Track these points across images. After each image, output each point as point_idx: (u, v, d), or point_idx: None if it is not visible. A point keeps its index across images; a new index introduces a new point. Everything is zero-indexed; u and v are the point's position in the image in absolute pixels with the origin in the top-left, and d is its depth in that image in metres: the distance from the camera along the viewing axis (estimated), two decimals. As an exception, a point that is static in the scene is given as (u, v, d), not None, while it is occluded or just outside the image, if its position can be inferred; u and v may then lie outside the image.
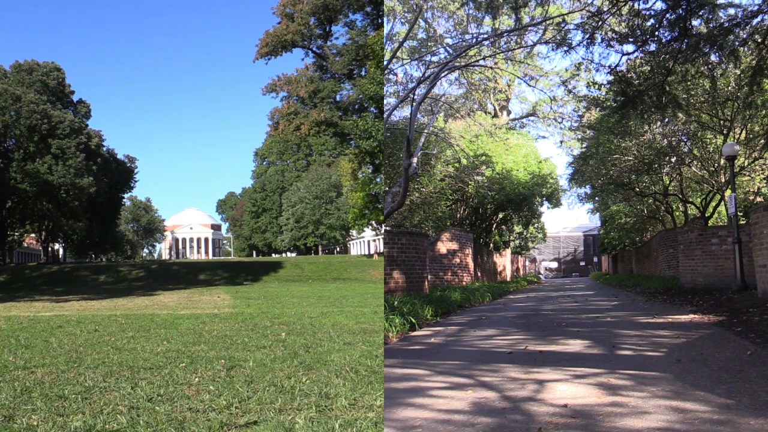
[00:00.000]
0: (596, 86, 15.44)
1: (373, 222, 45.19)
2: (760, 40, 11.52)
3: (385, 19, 42.97)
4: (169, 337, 8.30)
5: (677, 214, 29.60)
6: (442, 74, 16.80)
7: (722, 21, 10.93)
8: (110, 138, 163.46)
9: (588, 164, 26.14)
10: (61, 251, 73.69)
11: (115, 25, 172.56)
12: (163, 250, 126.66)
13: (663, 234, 26.97)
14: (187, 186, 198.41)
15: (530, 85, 29.63)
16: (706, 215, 24.51)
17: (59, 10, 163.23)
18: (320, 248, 67.99)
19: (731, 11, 11.06)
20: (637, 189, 27.46)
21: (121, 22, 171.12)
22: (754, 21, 11.19)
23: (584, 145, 29.62)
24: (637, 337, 7.46)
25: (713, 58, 12.34)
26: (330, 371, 5.46)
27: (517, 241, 45.19)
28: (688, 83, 15.01)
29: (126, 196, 70.86)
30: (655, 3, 11.70)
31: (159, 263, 49.43)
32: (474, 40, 19.05)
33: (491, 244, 33.25)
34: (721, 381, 4.58)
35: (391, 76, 24.24)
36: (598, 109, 20.76)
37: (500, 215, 32.03)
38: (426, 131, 19.87)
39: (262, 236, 75.26)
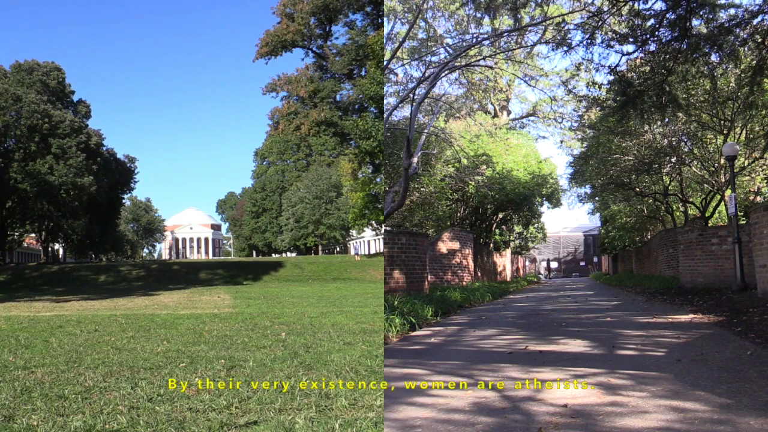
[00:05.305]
0: (596, 86, 15.43)
1: (373, 222, 45.21)
2: (760, 40, 11.51)
3: (385, 19, 42.99)
4: (169, 337, 8.30)
5: (677, 214, 29.59)
6: (442, 74, 16.79)
7: (722, 21, 10.93)
8: (110, 138, 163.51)
9: (588, 164, 26.13)
10: (61, 251, 73.70)
11: (115, 25, 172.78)
12: (163, 250, 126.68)
13: (663, 234, 26.96)
14: (187, 186, 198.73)
15: (530, 85, 29.60)
16: (706, 215, 24.50)
17: (59, 10, 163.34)
18: (320, 248, 67.98)
19: (731, 11, 11.06)
20: (637, 189, 27.45)
21: (121, 22, 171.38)
22: (755, 21, 11.19)
23: (584, 145, 29.59)
24: (637, 337, 7.46)
25: (713, 58, 12.33)
26: (330, 371, 5.47)
27: (517, 241, 45.16)
28: (688, 83, 15.00)
29: (126, 196, 70.92)
30: (655, 3, 11.71)
31: (159, 263, 49.43)
32: (474, 40, 19.02)
33: (491, 244, 33.24)
34: (721, 381, 4.58)
35: (391, 76, 24.23)
36: (598, 109, 20.74)
37: (500, 215, 32.01)
38: (426, 131, 19.86)
39: (262, 236, 75.26)
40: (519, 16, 14.38)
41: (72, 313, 13.97)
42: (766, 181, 23.05)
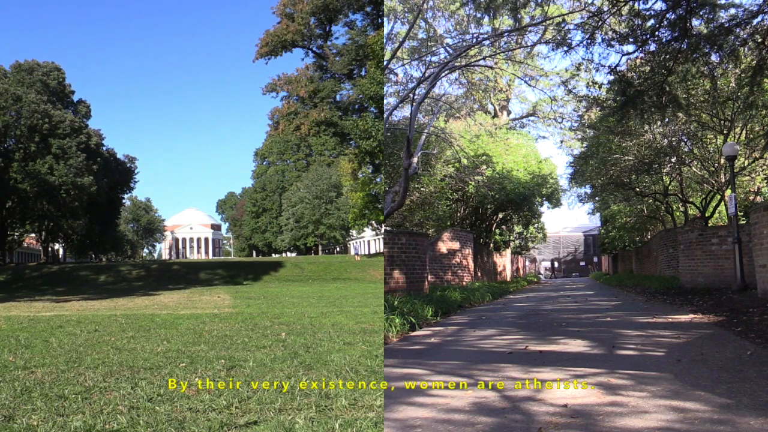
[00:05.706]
0: (596, 86, 15.44)
1: (373, 222, 45.21)
2: (760, 40, 11.51)
3: (385, 19, 42.98)
4: (169, 337, 8.29)
5: (677, 214, 29.59)
6: (442, 74, 16.79)
7: (722, 21, 10.93)
8: (110, 138, 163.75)
9: (588, 164, 26.13)
10: (61, 251, 73.69)
11: (115, 25, 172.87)
12: (163, 250, 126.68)
13: (663, 234, 26.96)
14: (187, 186, 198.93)
15: (530, 85, 29.57)
16: (706, 215, 24.50)
17: (59, 10, 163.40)
18: (320, 248, 67.98)
19: (731, 11, 11.06)
20: (637, 189, 27.45)
21: (121, 22, 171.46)
22: (755, 21, 11.19)
23: (584, 145, 29.59)
24: (637, 337, 7.46)
25: (713, 58, 12.34)
26: (330, 371, 5.46)
27: (517, 241, 45.15)
28: (688, 83, 14.98)
29: (126, 196, 70.94)
30: (655, 3, 11.72)
31: (159, 263, 49.43)
32: (474, 40, 19.00)
33: (491, 244, 33.24)
34: (721, 381, 4.58)
35: (391, 76, 24.23)
36: (598, 109, 20.73)
37: (500, 215, 32.00)
38: (426, 131, 19.85)
39: (262, 236, 75.26)
40: (519, 16, 14.38)
41: (72, 313, 13.97)
42: (766, 181, 23.04)
